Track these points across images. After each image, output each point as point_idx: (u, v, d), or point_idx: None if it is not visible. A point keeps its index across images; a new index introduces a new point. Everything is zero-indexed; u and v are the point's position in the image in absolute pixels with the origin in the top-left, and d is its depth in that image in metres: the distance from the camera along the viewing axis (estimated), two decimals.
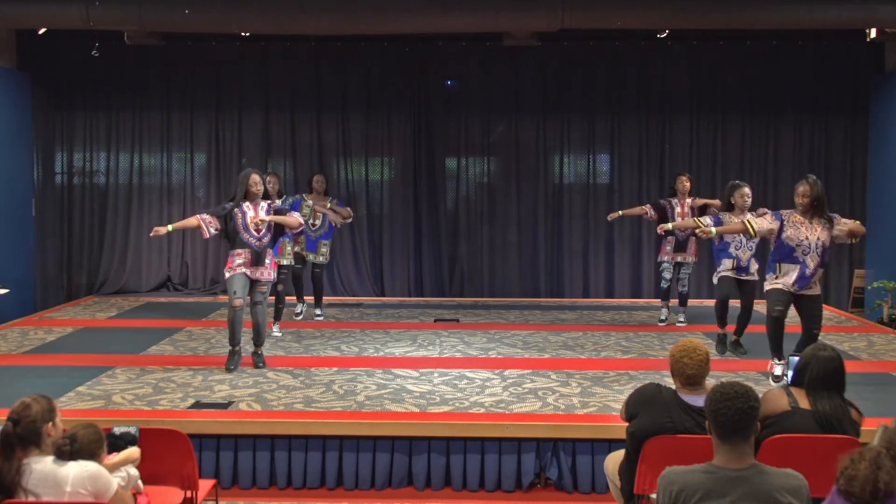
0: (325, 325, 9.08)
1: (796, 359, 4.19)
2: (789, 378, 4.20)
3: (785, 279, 6.41)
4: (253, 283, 6.88)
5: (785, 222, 6.40)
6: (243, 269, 6.79)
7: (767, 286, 6.56)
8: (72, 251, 11.62)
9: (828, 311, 10.21)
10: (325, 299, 10.78)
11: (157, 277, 11.61)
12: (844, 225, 6.44)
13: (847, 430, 3.85)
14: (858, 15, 8.82)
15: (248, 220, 6.80)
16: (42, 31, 9.80)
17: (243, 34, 10.01)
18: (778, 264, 6.44)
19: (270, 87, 11.54)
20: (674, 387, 4.01)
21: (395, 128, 11.56)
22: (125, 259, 11.56)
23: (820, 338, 7.98)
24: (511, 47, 10.17)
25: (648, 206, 9.27)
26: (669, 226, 8.51)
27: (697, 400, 3.88)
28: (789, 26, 9.45)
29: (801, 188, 6.36)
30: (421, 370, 6.97)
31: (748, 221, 6.61)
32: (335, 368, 7.02)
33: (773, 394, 4.00)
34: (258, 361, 7.00)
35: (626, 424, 4.06)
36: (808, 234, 6.33)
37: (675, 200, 9.02)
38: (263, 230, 6.83)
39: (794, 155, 11.30)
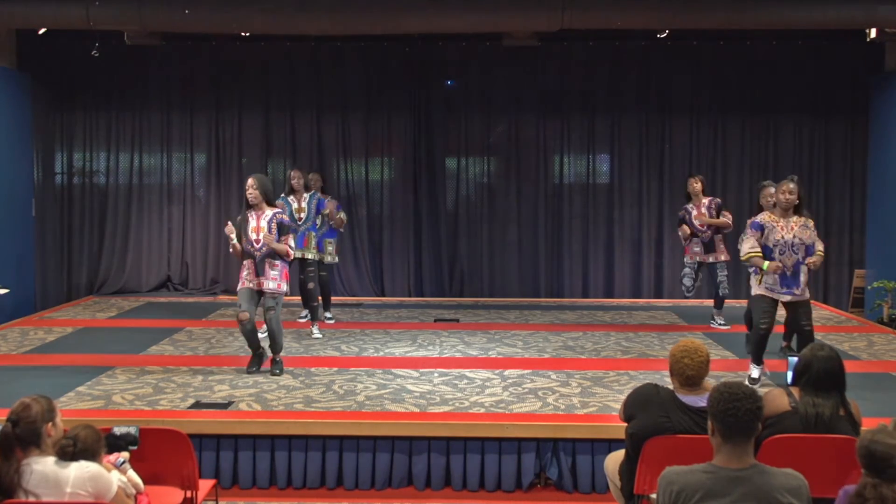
0: (325, 326, 9.07)
1: (795, 359, 4.18)
2: (789, 378, 4.20)
3: (770, 280, 6.40)
4: (262, 292, 6.78)
5: (765, 227, 6.41)
6: (248, 284, 6.71)
7: (753, 290, 6.58)
8: (72, 251, 11.61)
9: (828, 311, 10.23)
10: None
11: (157, 277, 11.61)
12: (819, 245, 6.48)
13: (836, 430, 3.83)
14: (858, 15, 8.83)
15: (250, 229, 6.71)
16: (42, 31, 9.80)
17: (243, 34, 10.02)
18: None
19: (270, 87, 11.54)
20: (672, 387, 4.00)
21: (395, 128, 11.56)
22: (125, 259, 11.56)
23: (819, 338, 8.01)
24: (511, 47, 10.16)
25: (680, 227, 8.86)
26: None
27: (696, 400, 3.88)
28: (789, 26, 9.45)
29: (786, 186, 6.38)
30: (421, 370, 6.97)
31: (747, 254, 6.48)
32: (335, 368, 7.02)
33: (773, 394, 4.00)
34: (275, 369, 6.82)
35: (626, 424, 4.06)
36: (783, 233, 6.36)
37: (690, 206, 8.87)
38: (262, 241, 6.68)
39: (794, 155, 11.30)
